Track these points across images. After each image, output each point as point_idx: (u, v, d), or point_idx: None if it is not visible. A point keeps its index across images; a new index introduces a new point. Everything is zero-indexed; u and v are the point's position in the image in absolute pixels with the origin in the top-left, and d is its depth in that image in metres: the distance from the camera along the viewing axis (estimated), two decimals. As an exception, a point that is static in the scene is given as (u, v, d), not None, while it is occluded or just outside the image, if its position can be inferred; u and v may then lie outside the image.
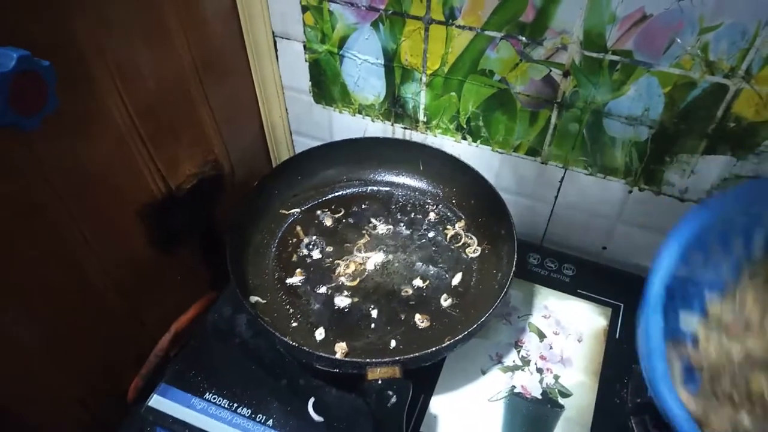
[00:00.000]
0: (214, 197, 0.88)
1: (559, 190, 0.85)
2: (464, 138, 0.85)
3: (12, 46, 0.48)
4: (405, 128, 0.89)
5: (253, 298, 0.75)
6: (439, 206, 0.88)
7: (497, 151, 0.84)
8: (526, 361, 0.77)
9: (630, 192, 0.80)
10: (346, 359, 0.68)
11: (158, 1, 0.67)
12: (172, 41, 0.71)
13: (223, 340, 0.79)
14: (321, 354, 0.64)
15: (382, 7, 0.75)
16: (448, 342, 0.65)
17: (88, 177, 0.64)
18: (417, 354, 0.62)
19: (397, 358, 0.63)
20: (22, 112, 0.50)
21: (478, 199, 0.84)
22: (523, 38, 0.70)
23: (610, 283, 0.86)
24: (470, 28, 0.72)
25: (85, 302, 0.69)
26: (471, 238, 0.83)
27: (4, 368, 0.60)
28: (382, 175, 0.92)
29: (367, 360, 0.63)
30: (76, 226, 0.64)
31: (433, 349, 0.63)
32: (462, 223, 0.85)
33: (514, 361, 0.77)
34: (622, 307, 0.83)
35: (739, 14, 0.59)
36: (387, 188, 0.91)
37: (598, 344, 0.79)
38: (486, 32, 0.71)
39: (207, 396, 0.72)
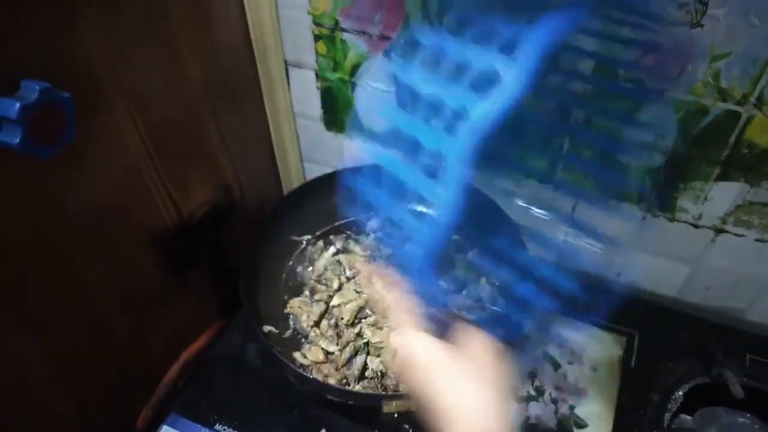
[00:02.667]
0: (225, 224, 0.88)
1: (571, 216, 0.85)
2: (475, 165, 0.85)
3: (33, 79, 0.49)
4: (416, 155, 0.89)
5: (267, 328, 0.74)
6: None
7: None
8: (540, 392, 0.76)
9: (644, 218, 0.80)
10: (362, 392, 0.67)
11: (173, 31, 0.68)
12: (186, 70, 0.72)
13: (234, 369, 0.78)
14: (337, 387, 0.64)
15: (394, 36, 0.75)
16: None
17: (100, 204, 0.64)
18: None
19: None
20: (42, 143, 0.50)
21: (491, 227, 0.84)
22: (535, 66, 0.70)
23: (626, 311, 0.84)
24: (482, 57, 0.72)
25: (93, 329, 0.68)
26: (483, 267, 0.83)
27: (11, 394, 0.60)
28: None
29: (383, 393, 0.62)
30: (87, 253, 0.64)
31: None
32: (475, 252, 0.85)
33: (528, 392, 0.76)
34: (636, 336, 0.82)
35: (749, 43, 0.59)
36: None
37: (614, 373, 0.78)
38: (497, 60, 0.72)
39: (217, 427, 0.71)
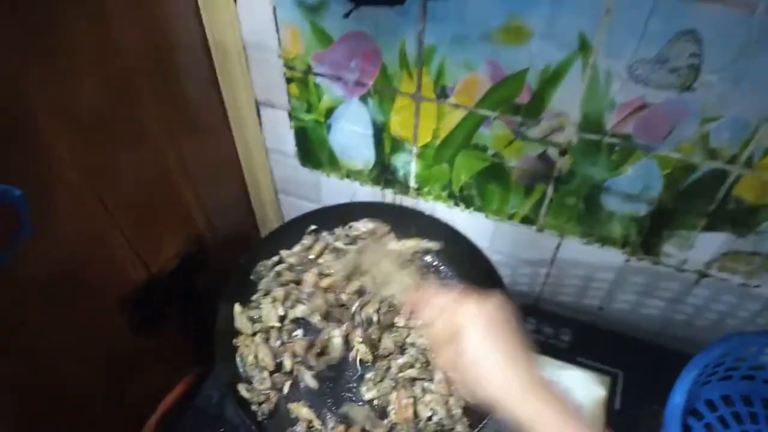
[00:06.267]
0: (198, 269, 0.85)
1: (555, 255, 0.83)
2: (456, 205, 0.83)
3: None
4: (396, 193, 0.86)
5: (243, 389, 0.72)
6: (432, 273, 0.85)
7: (491, 218, 0.82)
8: (525, 439, 0.76)
9: (628, 261, 0.79)
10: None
11: (135, 87, 0.64)
12: (151, 122, 0.67)
13: (212, 426, 0.77)
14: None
15: (371, 83, 0.72)
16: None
17: (63, 279, 0.61)
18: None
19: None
20: (-7, 250, 0.46)
21: (473, 269, 0.82)
22: (518, 118, 0.68)
23: (609, 348, 0.84)
24: (463, 107, 0.69)
25: (64, 401, 0.66)
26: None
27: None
28: (373, 240, 0.89)
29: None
30: (53, 327, 0.61)
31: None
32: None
33: (512, 439, 0.76)
34: (621, 374, 0.82)
35: (741, 109, 0.57)
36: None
37: (598, 416, 0.78)
38: (479, 111, 0.69)
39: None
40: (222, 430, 0.76)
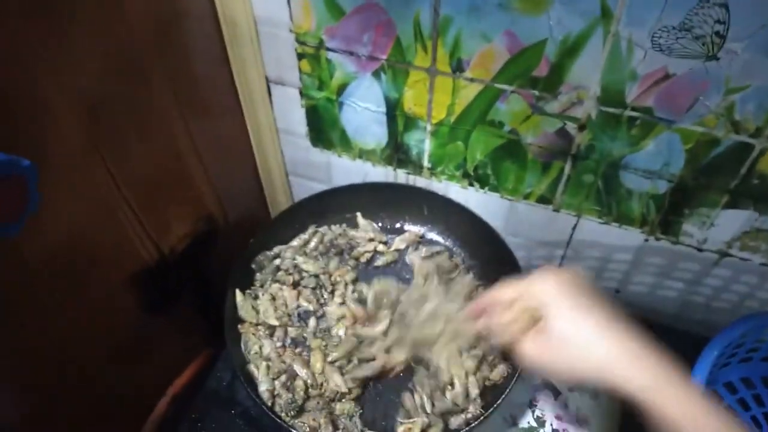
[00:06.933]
0: (208, 250, 0.84)
1: (571, 236, 0.82)
2: (471, 185, 0.81)
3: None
4: (408, 173, 0.85)
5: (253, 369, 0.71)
6: (445, 255, 0.84)
7: (506, 198, 0.81)
8: (541, 422, 0.74)
9: (646, 240, 0.77)
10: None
11: (144, 61, 0.62)
12: (161, 100, 0.66)
13: (224, 408, 0.76)
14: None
15: (384, 57, 0.70)
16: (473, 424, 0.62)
17: (71, 256, 0.59)
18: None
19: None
20: (4, 219, 0.45)
21: (487, 251, 0.80)
22: (536, 92, 0.66)
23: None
24: (479, 81, 0.68)
25: (73, 383, 0.64)
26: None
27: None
28: (385, 221, 0.87)
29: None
30: (61, 306, 0.60)
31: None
32: (471, 276, 0.81)
33: (528, 423, 0.74)
34: (637, 357, 0.80)
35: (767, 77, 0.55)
36: (390, 235, 0.87)
37: (615, 400, 0.76)
38: (496, 85, 0.67)
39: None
40: (233, 411, 0.76)
